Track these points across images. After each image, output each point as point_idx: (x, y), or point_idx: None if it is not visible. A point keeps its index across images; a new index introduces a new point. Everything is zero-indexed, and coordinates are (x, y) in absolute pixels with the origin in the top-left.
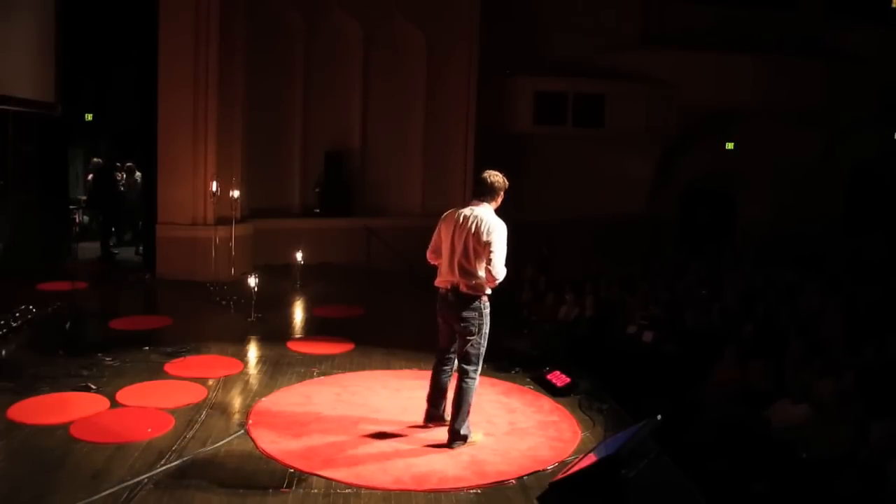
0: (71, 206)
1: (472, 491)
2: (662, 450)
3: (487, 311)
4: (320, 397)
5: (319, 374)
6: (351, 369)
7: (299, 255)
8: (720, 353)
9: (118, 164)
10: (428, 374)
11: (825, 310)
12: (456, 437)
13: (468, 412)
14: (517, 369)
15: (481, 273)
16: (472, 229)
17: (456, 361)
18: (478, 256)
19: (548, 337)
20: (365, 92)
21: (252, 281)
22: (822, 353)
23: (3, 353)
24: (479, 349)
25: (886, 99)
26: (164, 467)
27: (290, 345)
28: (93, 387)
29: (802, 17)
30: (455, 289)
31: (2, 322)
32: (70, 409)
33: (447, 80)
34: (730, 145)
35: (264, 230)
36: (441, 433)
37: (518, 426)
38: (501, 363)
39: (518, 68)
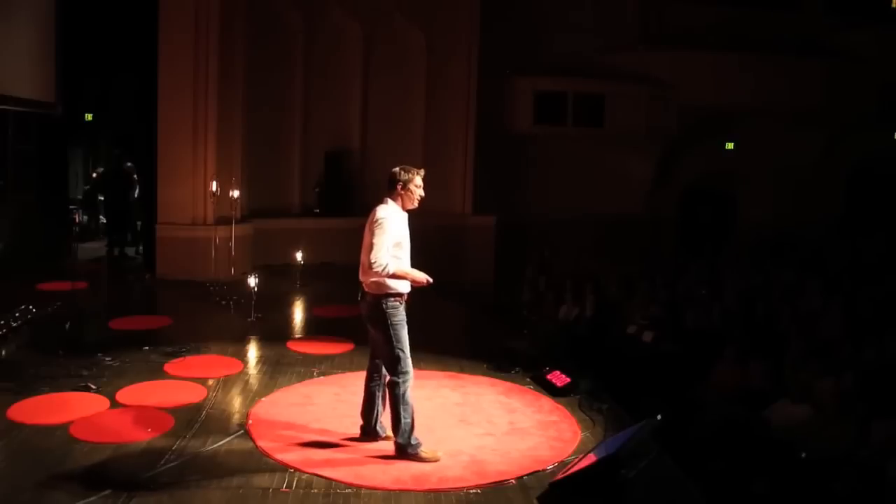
0: (71, 206)
1: (472, 491)
2: (662, 450)
3: (396, 310)
4: (320, 397)
5: (319, 374)
6: (351, 369)
7: (299, 255)
8: (720, 353)
9: (130, 164)
10: (426, 373)
11: (825, 310)
12: (399, 452)
13: (411, 423)
14: (517, 369)
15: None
16: (368, 224)
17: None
18: (370, 251)
19: (548, 337)
20: (365, 92)
21: (252, 281)
22: (822, 353)
23: (3, 353)
24: (395, 353)
25: (886, 99)
26: (164, 467)
27: (290, 345)
28: (93, 387)
29: (802, 17)
30: (362, 290)
31: (2, 322)
32: (70, 409)
33: (447, 80)
34: (730, 145)
35: (264, 230)
36: (436, 436)
37: (518, 426)
38: (501, 363)
39: (518, 68)
